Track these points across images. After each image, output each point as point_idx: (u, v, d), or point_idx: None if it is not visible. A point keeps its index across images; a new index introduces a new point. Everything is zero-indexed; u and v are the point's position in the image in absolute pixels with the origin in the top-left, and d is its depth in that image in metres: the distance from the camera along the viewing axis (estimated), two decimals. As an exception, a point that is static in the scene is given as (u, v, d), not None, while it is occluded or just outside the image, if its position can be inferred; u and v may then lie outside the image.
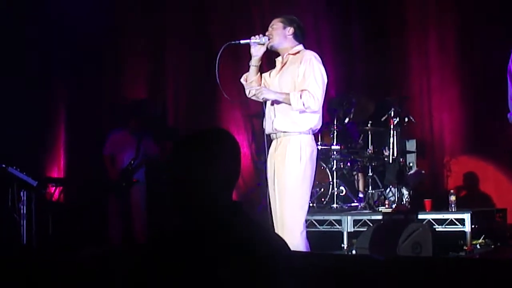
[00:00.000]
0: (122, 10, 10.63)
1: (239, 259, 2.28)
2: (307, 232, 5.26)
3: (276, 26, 5.39)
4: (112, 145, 8.47)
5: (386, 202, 8.02)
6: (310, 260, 3.87)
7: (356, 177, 8.52)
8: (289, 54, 5.37)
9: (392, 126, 8.22)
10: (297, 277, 2.44)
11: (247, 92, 5.49)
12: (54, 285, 3.75)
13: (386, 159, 8.24)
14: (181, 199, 2.46)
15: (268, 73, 5.56)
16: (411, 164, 8.54)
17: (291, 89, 5.22)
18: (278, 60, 5.49)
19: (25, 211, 6.96)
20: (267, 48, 5.37)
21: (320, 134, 8.23)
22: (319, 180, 8.11)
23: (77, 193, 10.10)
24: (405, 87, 9.22)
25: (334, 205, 8.04)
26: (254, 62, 5.43)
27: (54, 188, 9.41)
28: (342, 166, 8.37)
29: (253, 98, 5.44)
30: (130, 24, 10.66)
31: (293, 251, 4.47)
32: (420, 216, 7.43)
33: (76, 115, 10.57)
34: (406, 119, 8.44)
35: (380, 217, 7.59)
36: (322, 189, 8.11)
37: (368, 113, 8.51)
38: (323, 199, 8.16)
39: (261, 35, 5.34)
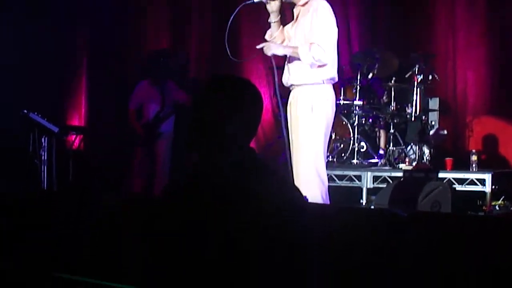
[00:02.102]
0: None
1: (253, 207, 2.27)
2: (329, 187, 5.26)
3: None
4: (137, 98, 8.35)
5: (407, 160, 7.98)
6: (328, 212, 3.85)
7: (377, 133, 8.47)
8: (299, 5, 5.32)
9: (416, 83, 8.13)
10: (313, 229, 2.44)
11: None
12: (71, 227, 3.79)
13: (408, 116, 8.16)
14: (200, 138, 2.44)
15: (290, 25, 5.52)
16: (433, 123, 8.46)
17: (302, 42, 5.19)
18: (295, 12, 5.45)
19: (45, 157, 6.98)
20: (281, 1, 5.31)
21: (343, 89, 8.18)
22: (340, 135, 8.08)
23: (98, 142, 10.14)
24: (431, 44, 9.07)
25: (354, 161, 8.00)
26: (273, 18, 5.39)
27: (74, 136, 9.45)
28: (363, 121, 8.31)
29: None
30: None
31: (311, 203, 4.47)
32: (441, 175, 7.40)
33: (98, 63, 10.56)
34: (430, 77, 8.33)
35: (400, 174, 7.57)
36: (343, 145, 8.07)
37: (392, 69, 8.42)
38: (343, 154, 8.13)
39: None
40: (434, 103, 8.63)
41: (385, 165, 7.94)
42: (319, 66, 5.17)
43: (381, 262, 3.24)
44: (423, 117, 8.28)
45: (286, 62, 5.40)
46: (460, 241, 3.22)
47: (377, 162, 8.04)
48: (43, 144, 7.01)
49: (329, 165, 7.87)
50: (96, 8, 10.42)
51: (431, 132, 8.36)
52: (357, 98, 8.08)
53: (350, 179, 7.64)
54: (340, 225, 3.45)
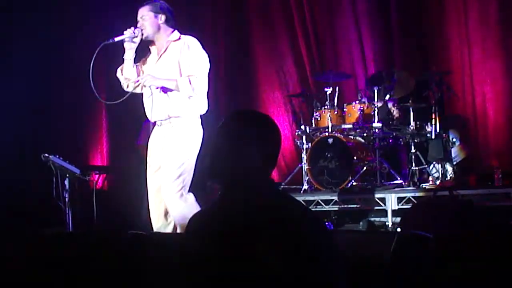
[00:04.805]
0: None
1: (276, 235, 2.28)
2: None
3: (147, 16, 5.44)
4: (146, 134, 8.49)
5: (430, 179, 7.92)
6: (355, 238, 3.83)
7: (398, 154, 8.43)
8: (170, 41, 5.47)
9: (433, 102, 8.11)
10: (342, 256, 2.44)
11: (124, 86, 5.59)
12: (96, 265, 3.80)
13: (428, 135, 8.13)
14: (220, 168, 2.51)
15: (141, 62, 5.67)
16: (454, 140, 8.42)
17: (175, 75, 5.36)
18: (154, 48, 5.59)
19: (69, 199, 7.00)
20: (141, 39, 5.46)
21: (361, 112, 8.18)
22: (362, 158, 8.05)
23: (122, 180, 10.17)
24: (446, 61, 9.08)
25: (378, 183, 7.96)
26: (129, 55, 5.54)
27: (97, 175, 9.48)
28: (384, 143, 8.29)
29: (135, 90, 5.58)
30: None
31: (340, 230, 4.45)
32: (465, 192, 7.33)
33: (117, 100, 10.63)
34: (448, 94, 8.32)
35: (424, 194, 7.51)
36: (365, 168, 8.04)
37: (409, 89, 8.40)
38: (366, 177, 8.09)
39: (133, 28, 5.43)
40: (453, 120, 8.59)
41: (408, 185, 7.88)
42: (193, 100, 5.38)
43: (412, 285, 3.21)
44: (444, 134, 8.24)
45: (156, 96, 5.49)
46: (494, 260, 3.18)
47: (400, 183, 7.99)
48: (66, 186, 7.03)
49: (352, 188, 7.86)
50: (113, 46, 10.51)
51: (453, 149, 8.31)
52: (376, 120, 8.05)
53: (374, 202, 7.59)
54: (368, 250, 3.43)
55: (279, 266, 2.24)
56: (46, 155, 6.92)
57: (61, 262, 4.11)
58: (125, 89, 5.66)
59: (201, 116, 5.50)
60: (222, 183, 2.54)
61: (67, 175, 6.95)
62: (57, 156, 7.02)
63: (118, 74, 5.65)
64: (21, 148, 9.20)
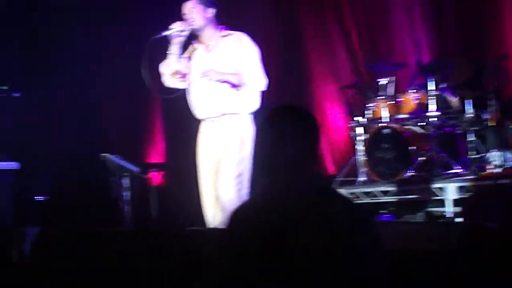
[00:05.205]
0: None
1: (309, 231, 2.29)
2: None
3: (197, 8, 5.39)
4: None
5: (490, 167, 7.78)
6: (413, 229, 3.79)
7: (456, 142, 8.31)
8: (220, 36, 5.45)
9: (490, 89, 7.96)
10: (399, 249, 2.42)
11: (168, 81, 5.54)
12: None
13: (486, 122, 7.99)
14: (263, 164, 2.53)
15: (186, 57, 5.61)
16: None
17: (229, 71, 5.35)
18: (200, 43, 5.55)
19: (128, 198, 7.06)
20: (189, 33, 5.47)
21: (417, 101, 8.09)
22: (419, 148, 7.96)
23: (178, 177, 10.23)
24: (503, 47, 8.89)
25: (436, 172, 7.86)
26: (176, 50, 5.50)
27: (155, 173, 9.55)
28: (441, 132, 8.18)
29: (179, 86, 5.57)
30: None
31: (393, 221, 4.40)
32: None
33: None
34: (505, 80, 8.16)
35: (484, 182, 7.39)
36: (423, 157, 7.94)
37: (465, 76, 8.27)
38: (424, 167, 8.00)
39: (180, 22, 5.35)
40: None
41: (467, 174, 7.76)
42: (248, 96, 5.40)
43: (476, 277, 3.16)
44: (503, 121, 8.09)
45: (199, 92, 5.48)
46: None
47: (459, 172, 7.86)
48: (125, 185, 7.10)
49: (410, 179, 7.78)
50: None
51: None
52: (432, 109, 7.95)
53: (433, 192, 7.50)
54: (432, 240, 3.39)
55: (307, 263, 2.23)
56: (104, 154, 7.00)
57: (122, 259, 4.16)
58: (169, 84, 5.65)
59: (253, 112, 5.48)
60: (265, 179, 2.54)
61: (126, 174, 7.01)
62: (115, 155, 7.10)
63: (163, 69, 5.63)
64: (79, 148, 9.32)
